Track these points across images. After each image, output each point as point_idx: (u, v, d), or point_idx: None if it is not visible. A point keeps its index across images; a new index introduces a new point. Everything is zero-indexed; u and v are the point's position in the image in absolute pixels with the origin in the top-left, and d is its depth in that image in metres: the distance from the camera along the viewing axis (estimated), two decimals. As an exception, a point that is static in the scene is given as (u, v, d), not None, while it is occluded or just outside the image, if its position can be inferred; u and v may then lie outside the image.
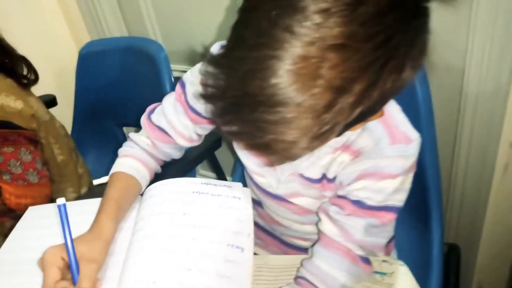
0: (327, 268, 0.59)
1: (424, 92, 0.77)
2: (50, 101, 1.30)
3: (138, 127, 0.78)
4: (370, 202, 0.57)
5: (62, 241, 0.57)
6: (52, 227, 0.66)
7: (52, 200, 0.93)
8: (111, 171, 0.72)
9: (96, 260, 0.58)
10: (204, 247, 0.61)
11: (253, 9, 0.40)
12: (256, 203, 0.77)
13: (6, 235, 0.69)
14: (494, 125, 0.92)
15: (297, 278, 0.63)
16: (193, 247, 0.61)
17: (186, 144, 0.75)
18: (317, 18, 0.36)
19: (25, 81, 0.94)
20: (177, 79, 0.74)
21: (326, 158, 0.59)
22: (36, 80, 0.97)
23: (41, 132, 0.92)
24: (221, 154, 1.15)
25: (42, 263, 0.57)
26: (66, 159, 1.01)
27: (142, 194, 0.73)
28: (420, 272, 0.70)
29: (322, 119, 0.38)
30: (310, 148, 0.41)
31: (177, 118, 0.71)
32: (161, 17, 1.39)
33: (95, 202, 0.68)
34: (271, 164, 0.64)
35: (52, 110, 1.10)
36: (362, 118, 0.41)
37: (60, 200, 0.56)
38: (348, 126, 0.41)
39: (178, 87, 0.70)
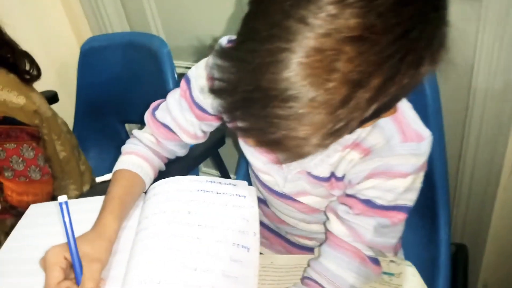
0: (335, 268, 0.58)
1: (432, 88, 0.75)
2: (51, 97, 1.29)
3: (140, 124, 0.78)
4: (380, 202, 0.55)
5: (64, 239, 0.56)
6: (55, 225, 0.65)
7: (54, 197, 0.92)
8: (115, 169, 0.71)
9: (100, 259, 0.57)
10: (210, 247, 0.60)
11: (266, 0, 0.38)
12: (261, 201, 0.76)
13: (7, 233, 0.68)
14: (503, 122, 0.91)
15: (304, 278, 0.62)
16: (198, 247, 0.59)
17: (191, 141, 0.74)
18: (333, 9, 0.34)
19: (28, 77, 0.93)
20: (180, 75, 0.73)
21: (335, 156, 0.58)
22: (38, 75, 0.96)
23: (43, 128, 0.91)
24: (225, 151, 1.14)
25: (44, 263, 0.55)
26: (68, 156, 1.00)
27: (145, 192, 0.72)
28: (427, 273, 0.69)
29: (336, 115, 0.37)
30: (323, 145, 0.39)
31: (182, 115, 0.70)
32: (163, 13, 1.38)
33: (97, 200, 0.67)
34: (281, 161, 0.63)
35: (54, 106, 1.09)
36: (377, 114, 0.40)
37: (62, 198, 0.55)
38: (362, 123, 0.40)
39: (183, 83, 0.69)
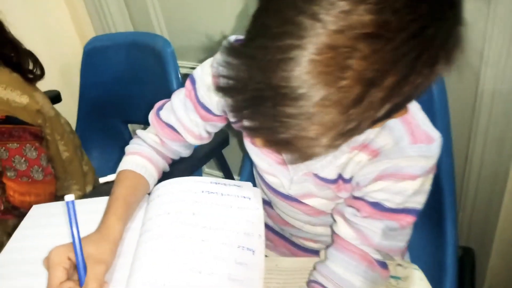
0: (342, 272, 0.57)
1: (439, 91, 0.75)
2: (54, 97, 1.28)
3: (143, 124, 0.77)
4: (388, 204, 0.54)
5: (67, 241, 0.55)
6: (58, 226, 0.65)
7: (57, 198, 0.92)
8: (118, 169, 0.70)
9: (105, 261, 0.56)
10: (215, 249, 0.59)
11: None
12: (266, 203, 0.75)
13: (9, 234, 0.68)
14: (510, 125, 0.90)
15: (310, 282, 0.61)
16: (203, 249, 0.59)
17: (196, 142, 0.73)
18: (346, 5, 0.33)
19: (31, 76, 0.93)
20: (184, 76, 0.72)
21: (342, 157, 0.57)
22: (42, 75, 0.95)
23: (46, 128, 0.91)
24: (228, 152, 1.13)
25: (48, 263, 0.55)
26: (71, 156, 0.99)
27: (149, 193, 0.71)
28: (434, 276, 0.68)
29: (348, 115, 0.36)
30: (333, 146, 0.38)
31: (186, 115, 0.69)
32: (167, 12, 1.37)
33: (101, 201, 0.66)
34: (289, 162, 0.62)
35: (56, 106, 1.08)
36: (388, 115, 0.39)
37: (69, 197, 0.54)
38: (373, 124, 0.39)
39: (188, 83, 0.68)
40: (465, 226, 1.11)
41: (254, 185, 0.71)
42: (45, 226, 0.68)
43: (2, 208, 0.85)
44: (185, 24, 1.34)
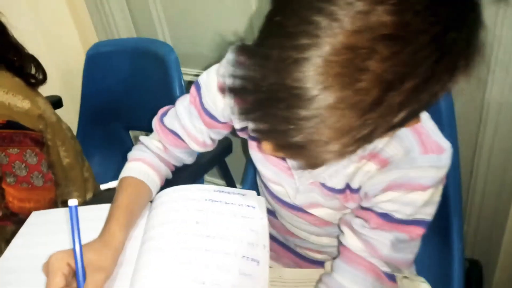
0: (349, 284, 0.56)
1: (446, 101, 0.74)
2: (55, 102, 1.27)
3: (145, 131, 0.76)
4: (398, 216, 0.53)
5: (67, 248, 0.54)
6: (57, 233, 0.63)
7: (56, 204, 0.90)
8: (121, 176, 0.69)
9: (105, 269, 0.54)
10: (219, 259, 0.57)
11: None
12: (269, 212, 0.73)
13: (8, 241, 0.66)
14: (517, 136, 0.89)
15: (315, 294, 0.59)
16: (207, 259, 0.57)
17: (200, 149, 0.72)
18: (364, 5, 0.32)
19: (33, 81, 0.92)
20: (188, 83, 0.71)
21: (350, 166, 0.56)
22: (44, 80, 0.94)
23: (47, 133, 0.89)
24: (230, 160, 1.12)
25: (47, 268, 0.53)
26: (72, 162, 0.98)
27: (151, 201, 0.69)
28: (440, 289, 0.66)
29: (364, 119, 0.34)
30: (344, 153, 0.37)
31: (191, 122, 0.68)
32: (170, 19, 1.37)
33: (102, 208, 0.65)
34: (295, 168, 0.61)
35: (58, 111, 1.07)
36: (402, 123, 0.38)
37: (73, 201, 0.52)
38: (386, 132, 0.38)
39: (193, 89, 0.67)
40: (470, 238, 1.09)
41: (258, 194, 0.70)
42: (44, 233, 0.67)
43: (0, 214, 0.83)
44: (189, 31, 1.34)
